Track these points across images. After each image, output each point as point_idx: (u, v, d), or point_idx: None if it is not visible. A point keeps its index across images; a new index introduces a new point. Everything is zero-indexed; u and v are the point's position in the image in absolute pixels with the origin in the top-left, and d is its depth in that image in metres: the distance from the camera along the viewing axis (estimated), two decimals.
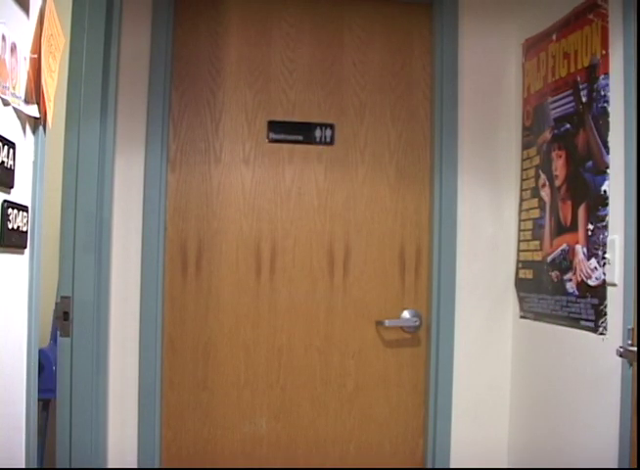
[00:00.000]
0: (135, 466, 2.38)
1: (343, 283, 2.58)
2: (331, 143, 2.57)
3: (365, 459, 2.59)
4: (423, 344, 2.61)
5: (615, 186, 1.94)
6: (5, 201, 1.35)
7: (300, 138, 2.56)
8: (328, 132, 2.57)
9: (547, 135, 2.33)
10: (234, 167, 2.54)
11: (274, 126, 2.55)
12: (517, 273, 2.54)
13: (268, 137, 2.55)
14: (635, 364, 1.78)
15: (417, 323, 2.56)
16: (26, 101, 1.44)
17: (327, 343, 2.57)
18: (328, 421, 2.57)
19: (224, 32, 2.55)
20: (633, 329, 1.81)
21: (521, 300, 2.50)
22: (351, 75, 2.60)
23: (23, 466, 1.49)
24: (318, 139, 2.57)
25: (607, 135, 1.97)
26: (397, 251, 2.61)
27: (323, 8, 2.61)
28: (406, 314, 2.58)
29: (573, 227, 2.14)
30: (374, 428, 2.60)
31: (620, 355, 1.83)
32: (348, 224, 2.59)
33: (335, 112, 2.60)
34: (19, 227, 1.42)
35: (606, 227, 1.97)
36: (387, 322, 2.53)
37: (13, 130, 1.39)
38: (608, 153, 1.97)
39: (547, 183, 2.32)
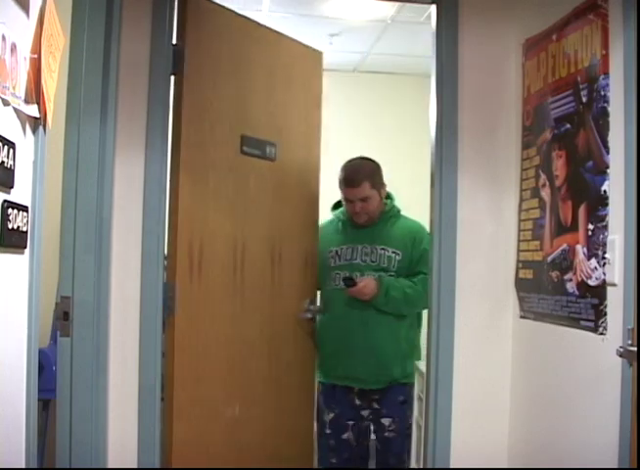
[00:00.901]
0: (135, 466, 2.37)
1: None
2: (274, 159, 2.80)
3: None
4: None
5: (615, 186, 1.94)
6: (5, 201, 1.35)
7: (259, 153, 2.77)
8: (273, 150, 2.80)
9: (547, 135, 2.33)
10: (222, 173, 2.62)
11: (245, 140, 2.70)
12: (517, 273, 2.54)
13: (241, 149, 2.68)
14: (635, 364, 1.78)
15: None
16: (26, 101, 1.44)
17: None
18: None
19: (225, 32, 2.55)
20: (633, 329, 1.81)
21: (521, 300, 2.50)
22: None
23: (23, 466, 1.49)
24: (267, 155, 2.80)
25: (607, 135, 1.97)
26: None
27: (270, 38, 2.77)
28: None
29: (574, 227, 2.14)
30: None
31: (620, 355, 1.83)
32: (280, 230, 2.84)
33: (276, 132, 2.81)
34: (19, 227, 1.42)
35: (606, 227, 1.97)
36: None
37: (13, 130, 1.39)
38: (608, 153, 1.97)
39: (547, 183, 2.32)
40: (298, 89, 2.95)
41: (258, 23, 2.82)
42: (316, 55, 3.06)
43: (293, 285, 2.89)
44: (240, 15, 2.71)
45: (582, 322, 2.07)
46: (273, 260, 2.81)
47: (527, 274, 2.45)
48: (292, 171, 2.91)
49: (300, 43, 2.97)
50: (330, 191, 3.05)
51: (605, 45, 2.00)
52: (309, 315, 2.92)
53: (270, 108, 2.81)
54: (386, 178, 3.01)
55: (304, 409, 2.94)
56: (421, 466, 2.61)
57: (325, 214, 3.12)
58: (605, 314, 1.96)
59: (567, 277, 2.17)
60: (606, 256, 1.96)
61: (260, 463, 2.65)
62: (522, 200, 2.51)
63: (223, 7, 2.61)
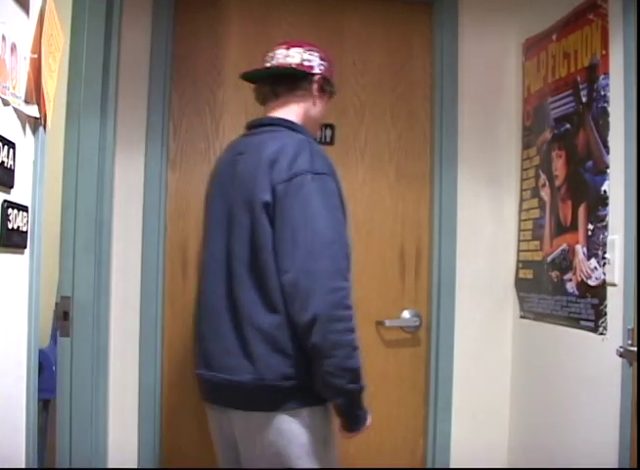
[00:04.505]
0: (135, 466, 2.37)
1: None
2: (331, 143, 2.57)
3: (365, 459, 2.58)
4: (423, 344, 2.60)
5: (615, 186, 1.94)
6: (5, 201, 1.35)
7: None
8: (328, 132, 2.56)
9: (547, 135, 2.33)
10: None
11: None
12: (517, 273, 2.54)
13: None
14: (635, 364, 1.78)
15: (417, 323, 2.56)
16: (26, 101, 1.44)
17: None
18: None
19: (224, 32, 2.55)
20: (633, 329, 1.81)
21: (521, 300, 2.50)
22: (351, 75, 2.60)
23: (23, 466, 1.49)
24: (318, 139, 2.57)
25: (607, 135, 1.97)
26: (397, 251, 2.60)
27: (323, 7, 2.61)
28: (406, 314, 2.58)
29: (573, 227, 2.14)
30: (374, 428, 2.59)
31: (620, 355, 1.83)
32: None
33: (334, 112, 2.59)
34: (19, 227, 1.42)
35: (606, 227, 1.97)
36: (387, 322, 2.54)
37: (13, 130, 1.39)
38: (608, 153, 1.97)
39: (547, 183, 2.32)
40: (382, 55, 2.60)
41: None
42: (416, 9, 2.61)
43: (373, 290, 2.56)
44: None
45: (582, 322, 2.07)
46: None
47: (527, 274, 2.45)
48: (366, 154, 2.57)
49: (387, 1, 2.61)
50: None
51: (605, 45, 2.00)
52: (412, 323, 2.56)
53: None
54: None
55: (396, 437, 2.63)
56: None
57: None
58: (605, 314, 1.96)
59: (566, 277, 2.17)
60: (606, 256, 1.96)
61: None
62: (522, 200, 2.51)
63: None
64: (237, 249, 1.72)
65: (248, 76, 1.96)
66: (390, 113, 2.62)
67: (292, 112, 1.88)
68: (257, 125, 1.90)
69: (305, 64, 1.88)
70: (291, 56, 1.88)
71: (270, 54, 1.92)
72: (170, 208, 2.47)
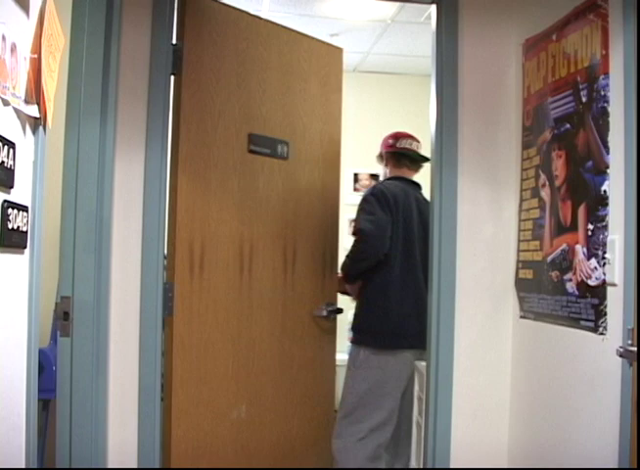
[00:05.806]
0: (135, 466, 2.37)
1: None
2: (286, 158, 2.80)
3: None
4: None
5: (615, 186, 1.94)
6: (5, 201, 1.35)
7: (269, 151, 2.77)
8: (285, 148, 2.81)
9: (547, 135, 2.33)
10: (226, 172, 2.61)
11: (253, 139, 2.71)
12: (517, 273, 2.54)
13: (249, 148, 2.68)
14: (635, 364, 1.78)
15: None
16: (26, 101, 1.44)
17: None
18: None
19: (225, 31, 2.56)
20: (633, 329, 1.81)
21: (521, 300, 2.50)
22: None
23: (23, 466, 1.50)
24: (279, 154, 2.81)
25: (607, 135, 1.97)
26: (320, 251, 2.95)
27: (285, 36, 2.82)
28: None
29: (573, 227, 2.14)
30: None
31: (620, 355, 1.83)
32: (294, 229, 2.86)
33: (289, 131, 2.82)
34: (19, 227, 1.42)
35: (606, 227, 1.97)
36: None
37: (13, 130, 1.39)
38: (608, 153, 1.97)
39: (547, 183, 2.32)
40: (316, 87, 2.95)
41: (269, 21, 2.82)
42: (336, 51, 3.08)
43: (308, 284, 2.89)
44: (248, 13, 2.71)
45: (582, 322, 2.07)
46: (286, 260, 2.81)
47: (527, 274, 2.45)
48: (306, 170, 2.91)
49: (317, 40, 2.98)
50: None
51: (605, 45, 2.00)
52: (324, 313, 2.96)
53: (283, 106, 2.81)
54: None
55: (319, 414, 2.92)
56: (421, 466, 2.61)
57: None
58: (605, 314, 1.96)
59: (566, 277, 2.17)
60: (606, 256, 1.96)
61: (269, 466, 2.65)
62: (522, 200, 2.51)
63: (228, 5, 2.62)
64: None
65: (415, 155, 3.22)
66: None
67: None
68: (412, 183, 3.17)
69: None
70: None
71: (417, 143, 3.24)
72: (171, 208, 2.48)
